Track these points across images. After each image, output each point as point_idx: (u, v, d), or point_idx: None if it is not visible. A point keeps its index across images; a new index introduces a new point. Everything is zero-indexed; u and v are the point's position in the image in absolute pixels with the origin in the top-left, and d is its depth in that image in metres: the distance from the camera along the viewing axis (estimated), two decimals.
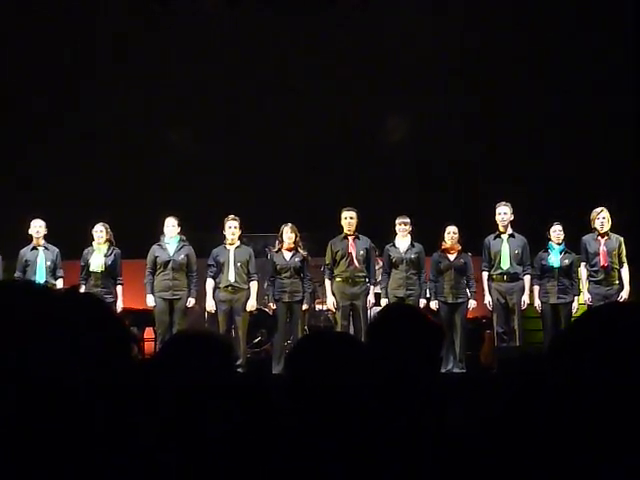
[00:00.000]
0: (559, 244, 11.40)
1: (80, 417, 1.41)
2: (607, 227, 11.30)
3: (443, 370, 11.04)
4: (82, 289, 10.68)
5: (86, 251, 11.48)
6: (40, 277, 11.23)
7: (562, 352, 2.53)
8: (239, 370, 10.53)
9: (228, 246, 11.42)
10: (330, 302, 11.44)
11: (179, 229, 11.49)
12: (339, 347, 2.51)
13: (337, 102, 14.70)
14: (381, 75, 14.78)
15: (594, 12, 14.44)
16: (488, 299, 11.37)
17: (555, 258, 11.37)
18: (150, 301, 11.39)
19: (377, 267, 11.93)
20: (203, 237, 12.24)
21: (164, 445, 2.20)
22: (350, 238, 11.43)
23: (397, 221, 11.52)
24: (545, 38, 14.60)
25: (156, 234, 11.62)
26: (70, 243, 11.72)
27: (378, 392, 2.57)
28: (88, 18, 14.59)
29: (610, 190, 12.90)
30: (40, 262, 11.43)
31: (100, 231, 11.42)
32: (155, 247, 11.52)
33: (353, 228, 11.43)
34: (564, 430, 2.34)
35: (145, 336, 12.14)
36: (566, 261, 11.38)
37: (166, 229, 11.47)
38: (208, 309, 11.42)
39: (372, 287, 11.48)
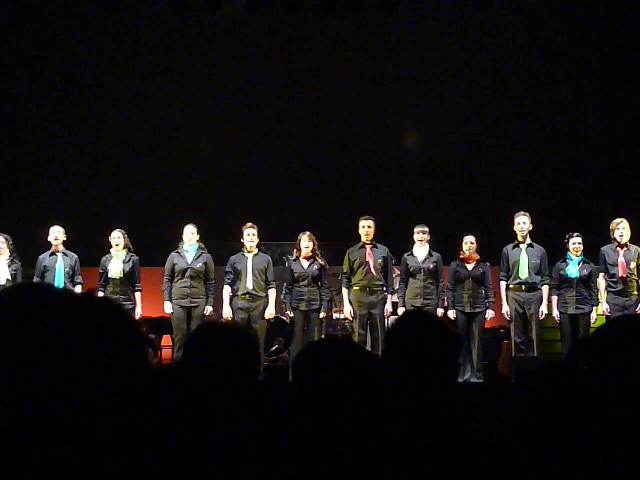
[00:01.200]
0: (577, 256, 11.35)
1: (94, 420, 1.40)
2: (626, 238, 11.25)
3: (460, 380, 11.02)
4: (100, 295, 10.67)
5: (104, 258, 11.49)
6: (59, 283, 11.23)
7: (580, 361, 2.51)
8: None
9: (246, 254, 11.43)
10: (347, 311, 11.43)
11: (198, 237, 11.51)
12: (341, 355, 2.49)
13: (356, 111, 14.70)
14: (398, 85, 14.77)
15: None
16: (506, 309, 11.32)
17: (573, 268, 11.31)
18: (168, 308, 11.40)
19: (394, 276, 11.90)
20: (221, 245, 12.25)
21: (178, 446, 2.19)
22: (367, 247, 11.42)
23: (415, 230, 11.50)
24: (565, 48, 14.56)
25: (175, 242, 11.64)
26: (89, 250, 11.75)
27: (389, 400, 2.55)
28: (101, 24, 14.60)
29: (630, 201, 12.86)
30: (59, 268, 11.45)
31: (117, 237, 11.43)
32: (174, 254, 11.53)
33: (370, 237, 11.41)
34: (582, 439, 2.32)
35: (163, 343, 12.14)
36: (584, 271, 11.32)
37: (185, 236, 11.49)
38: (225, 316, 11.42)
39: (389, 296, 11.47)
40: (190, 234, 11.47)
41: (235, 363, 2.48)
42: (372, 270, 11.32)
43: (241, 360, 2.52)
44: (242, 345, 2.56)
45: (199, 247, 11.52)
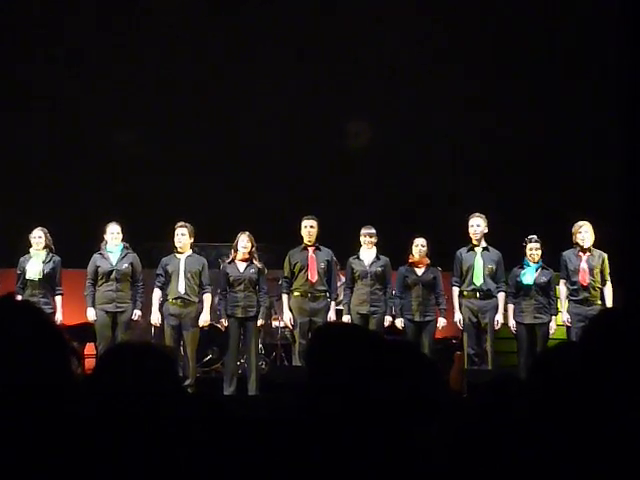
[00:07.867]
0: (535, 262, 11.29)
1: (11, 428, 1.40)
2: (589, 242, 11.13)
3: None
4: (18, 298, 10.56)
5: (23, 258, 11.34)
6: None
7: (544, 377, 2.55)
8: (188, 390, 10.48)
9: (178, 255, 11.34)
10: (287, 318, 11.36)
11: (122, 236, 11.36)
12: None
13: (299, 107, 14.70)
14: (346, 81, 14.82)
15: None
16: (458, 317, 11.28)
17: (530, 275, 11.20)
18: (91, 314, 11.25)
19: (339, 283, 11.87)
20: (153, 247, 12.19)
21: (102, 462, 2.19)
22: (310, 249, 11.38)
23: (362, 232, 11.43)
24: (520, 44, 14.70)
25: (98, 242, 11.51)
26: (6, 250, 11.64)
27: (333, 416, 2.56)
28: (43, 18, 14.53)
29: (595, 202, 12.97)
30: None
31: (39, 237, 11.28)
32: (96, 256, 11.37)
33: (313, 238, 11.36)
34: (533, 454, 2.36)
35: (86, 352, 12.03)
36: (543, 278, 11.23)
37: (108, 236, 11.33)
38: (153, 322, 11.31)
39: (333, 303, 11.44)
40: (115, 233, 11.30)
41: (151, 390, 2.45)
42: (314, 274, 11.28)
43: (158, 386, 2.49)
44: (157, 370, 2.53)
45: (124, 247, 11.38)
